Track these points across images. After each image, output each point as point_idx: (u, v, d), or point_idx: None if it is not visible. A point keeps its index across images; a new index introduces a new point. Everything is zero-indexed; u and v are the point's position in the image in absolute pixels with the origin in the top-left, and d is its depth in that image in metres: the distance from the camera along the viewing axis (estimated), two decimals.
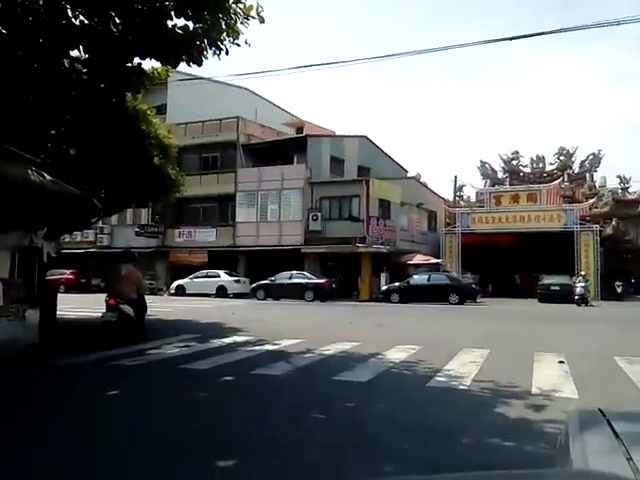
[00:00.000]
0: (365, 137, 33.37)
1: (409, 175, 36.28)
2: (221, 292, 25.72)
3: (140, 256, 28.67)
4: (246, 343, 9.31)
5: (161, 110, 28.89)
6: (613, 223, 32.16)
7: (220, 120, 30.75)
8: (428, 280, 23.32)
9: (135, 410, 5.03)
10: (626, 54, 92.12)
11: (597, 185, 37.21)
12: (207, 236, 30.59)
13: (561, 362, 7.21)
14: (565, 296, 23.90)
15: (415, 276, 24.36)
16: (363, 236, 26.48)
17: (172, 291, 27.31)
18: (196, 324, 13.05)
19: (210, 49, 7.86)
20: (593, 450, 1.22)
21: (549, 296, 24.78)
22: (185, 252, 30.95)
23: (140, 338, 9.19)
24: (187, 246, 30.99)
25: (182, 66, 8.40)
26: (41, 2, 7.66)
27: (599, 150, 36.80)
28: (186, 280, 27.09)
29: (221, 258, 29.08)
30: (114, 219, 30.33)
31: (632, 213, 36.93)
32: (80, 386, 6.06)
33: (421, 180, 36.36)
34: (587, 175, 37.31)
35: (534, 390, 5.61)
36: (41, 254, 8.70)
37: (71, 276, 28.91)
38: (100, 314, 9.19)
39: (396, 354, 7.97)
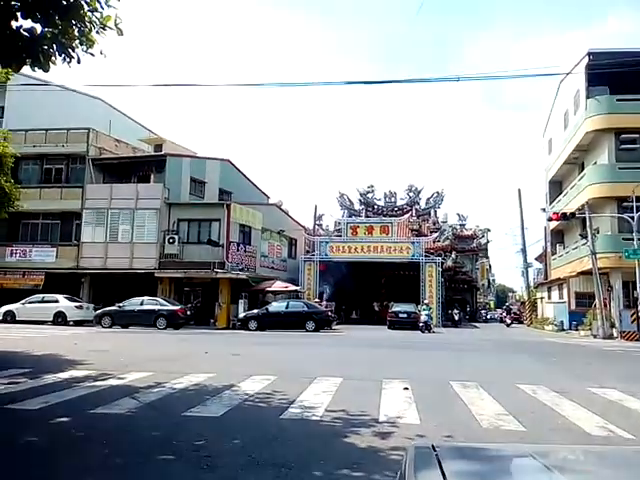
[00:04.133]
0: (228, 160, 33.16)
1: (271, 201, 36.76)
2: (60, 319, 23.18)
3: None
4: (86, 378, 8.40)
5: None
6: (452, 256, 35.87)
7: (67, 130, 28.27)
8: (286, 307, 23.52)
9: None
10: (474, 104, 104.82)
11: (440, 221, 41.41)
12: (46, 256, 27.59)
13: (406, 388, 7.66)
14: (412, 323, 25.82)
15: (274, 303, 24.48)
16: (222, 261, 26.01)
17: None
18: (27, 356, 11.52)
19: (59, 55, 7.22)
20: None
21: (398, 323, 26.56)
22: (18, 273, 27.51)
23: None
24: (20, 267, 27.59)
25: (26, 69, 7.60)
26: None
27: (442, 189, 41.22)
28: (17, 305, 23.88)
29: (61, 281, 26.39)
30: None
31: (468, 247, 41.64)
32: None
33: (282, 207, 37.04)
34: (432, 211, 41.34)
35: (381, 417, 5.84)
36: None
37: None
38: None
39: (251, 385, 7.81)
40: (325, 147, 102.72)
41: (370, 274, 31.79)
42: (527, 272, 41.99)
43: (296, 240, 35.75)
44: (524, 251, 40.20)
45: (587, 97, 25.85)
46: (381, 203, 41.72)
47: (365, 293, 33.75)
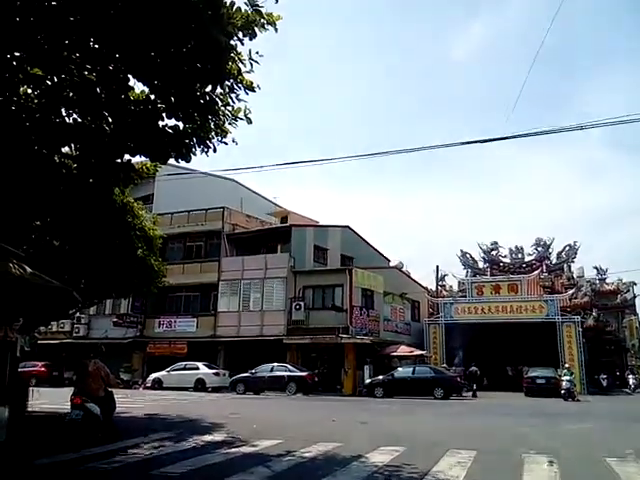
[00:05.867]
0: (348, 227, 34.13)
1: (391, 264, 36.75)
2: (199, 385, 24.76)
3: (116, 347, 28.07)
4: (222, 443, 8.83)
5: (148, 200, 29.50)
6: (594, 314, 32.48)
7: (206, 210, 31.41)
8: (413, 373, 22.83)
9: None
10: (595, 149, 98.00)
11: (575, 276, 37.98)
12: (188, 326, 30.02)
13: (551, 462, 6.96)
14: (551, 390, 23.50)
15: (399, 369, 23.90)
16: (346, 326, 26.23)
17: (148, 384, 26.19)
18: (172, 421, 12.42)
19: (199, 147, 8.20)
20: None
21: (535, 390, 24.37)
22: (165, 343, 30.18)
23: (111, 437, 8.69)
24: (167, 336, 30.29)
25: (170, 160, 8.66)
26: (36, 101, 7.99)
27: (575, 241, 38.05)
28: (163, 373, 26.13)
29: (201, 349, 28.38)
30: (92, 309, 29.77)
31: (611, 304, 37.46)
32: None
33: (403, 269, 36.78)
34: (565, 266, 38.15)
35: None
36: (14, 348, 8.41)
37: (43, 368, 27.68)
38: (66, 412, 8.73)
39: (379, 457, 7.63)
40: (445, 207, 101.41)
41: (500, 336, 29.77)
42: None
43: (419, 303, 35.02)
44: None
45: None
46: (507, 260, 39.54)
47: (496, 357, 31.53)
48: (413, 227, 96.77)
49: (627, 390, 29.26)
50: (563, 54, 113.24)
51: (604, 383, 28.25)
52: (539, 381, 24.75)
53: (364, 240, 35.70)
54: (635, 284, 43.20)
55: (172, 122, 7.82)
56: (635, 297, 44.85)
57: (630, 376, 29.83)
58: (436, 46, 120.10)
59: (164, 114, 7.64)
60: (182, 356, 28.20)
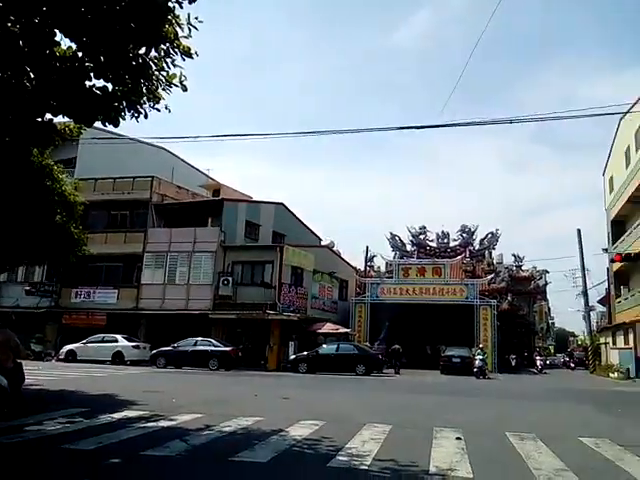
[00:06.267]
0: (282, 204, 33.98)
1: (323, 243, 37.11)
2: (117, 359, 23.97)
3: (28, 317, 26.52)
4: (139, 419, 8.62)
5: (70, 164, 27.80)
6: (509, 298, 34.60)
7: (133, 178, 30.07)
8: (336, 350, 23.34)
9: None
10: (520, 143, 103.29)
11: (495, 262, 40.21)
12: (108, 297, 28.89)
13: (458, 438, 7.38)
14: (465, 368, 24.90)
15: (324, 345, 24.37)
16: (274, 303, 26.31)
17: (61, 357, 24.98)
18: (84, 395, 11.98)
19: (129, 111, 7.77)
20: None
21: (451, 368, 25.70)
22: (82, 314, 28.91)
23: (17, 412, 8.23)
24: (84, 307, 29.01)
25: (96, 123, 8.18)
26: None
27: (497, 229, 40.12)
28: (78, 345, 24.98)
29: (122, 321, 27.45)
30: (2, 275, 27.85)
31: (524, 290, 40.07)
32: None
33: (334, 249, 37.26)
34: (486, 252, 40.25)
35: (432, 469, 5.65)
36: None
37: None
38: None
39: (300, 430, 7.77)
40: (377, 188, 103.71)
41: (422, 317, 31.06)
42: (589, 316, 39.76)
43: (347, 282, 35.72)
44: (585, 294, 38.17)
45: None
46: (433, 244, 41.10)
47: (417, 336, 32.92)
48: (348, 208, 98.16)
49: (534, 370, 31.64)
50: (506, 46, 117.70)
51: (513, 363, 30.34)
52: (454, 360, 26.12)
53: (297, 218, 35.73)
54: (547, 272, 46.56)
55: (101, 83, 7.38)
56: (547, 284, 48.30)
57: (537, 357, 32.27)
58: (381, 35, 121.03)
59: (92, 74, 7.18)
60: (101, 328, 27.14)
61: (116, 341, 24.69)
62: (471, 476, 5.43)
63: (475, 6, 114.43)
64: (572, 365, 38.37)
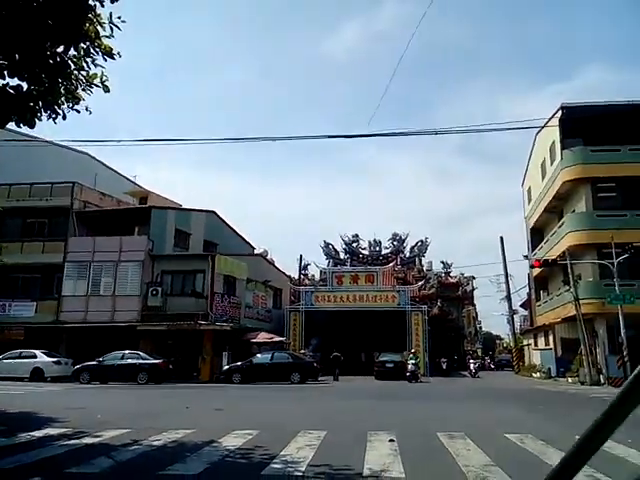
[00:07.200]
0: (213, 212, 33.33)
1: (256, 252, 36.74)
2: (37, 375, 22.41)
3: None
4: (61, 436, 8.07)
5: None
6: (438, 304, 35.81)
7: (52, 184, 28.37)
8: (271, 359, 23.09)
9: None
10: (448, 156, 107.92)
11: (425, 269, 41.59)
12: (25, 310, 26.99)
13: (391, 440, 7.48)
14: (399, 373, 25.42)
15: (258, 355, 24.04)
16: (206, 313, 25.67)
17: None
18: (0, 414, 11.08)
19: (45, 112, 7.36)
20: None
21: (384, 373, 26.15)
22: None
23: None
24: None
25: (11, 124, 7.70)
26: None
27: (426, 237, 41.65)
28: None
29: (41, 336, 25.76)
30: None
31: (453, 295, 41.70)
32: None
33: (268, 257, 37.01)
34: (416, 259, 41.58)
35: (365, 472, 5.67)
36: None
37: None
38: None
39: (233, 440, 7.57)
40: (310, 197, 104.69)
41: (356, 324, 31.45)
42: (513, 319, 42.04)
43: (281, 290, 35.53)
44: (509, 298, 40.34)
45: (562, 148, 26.76)
46: (366, 252, 41.94)
47: (352, 343, 33.30)
48: (281, 217, 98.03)
49: (466, 373, 32.28)
50: (434, 63, 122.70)
51: (444, 366, 31.23)
52: (388, 365, 26.60)
53: (229, 227, 35.16)
54: (474, 278, 48.69)
55: (15, 82, 6.94)
56: (474, 289, 50.52)
57: (471, 361, 32.95)
58: (311, 46, 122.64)
59: (5, 72, 6.75)
60: (19, 343, 25.29)
61: (35, 357, 23.06)
62: (403, 476, 5.51)
63: (404, 22, 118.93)
64: (492, 366, 40.61)
